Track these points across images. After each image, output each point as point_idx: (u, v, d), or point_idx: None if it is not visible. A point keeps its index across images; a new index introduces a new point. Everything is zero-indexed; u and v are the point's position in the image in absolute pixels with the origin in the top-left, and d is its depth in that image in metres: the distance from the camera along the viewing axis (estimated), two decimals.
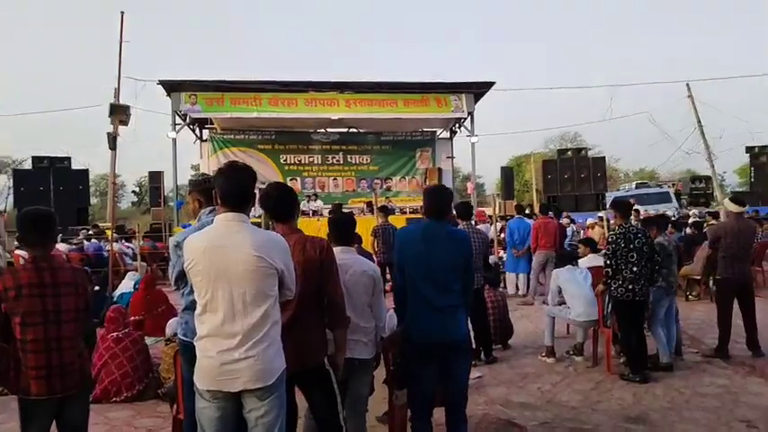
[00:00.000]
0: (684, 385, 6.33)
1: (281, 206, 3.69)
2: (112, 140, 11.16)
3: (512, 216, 17.24)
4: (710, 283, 10.54)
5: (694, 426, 5.19)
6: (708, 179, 29.23)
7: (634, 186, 34.00)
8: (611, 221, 15.16)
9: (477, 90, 21.49)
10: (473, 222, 8.39)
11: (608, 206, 22.17)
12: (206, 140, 23.83)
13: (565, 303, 7.30)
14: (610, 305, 6.76)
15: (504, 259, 12.42)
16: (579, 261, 8.04)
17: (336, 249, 3.98)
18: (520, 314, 10.04)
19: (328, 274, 3.59)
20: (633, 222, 6.60)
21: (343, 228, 4.21)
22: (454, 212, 7.12)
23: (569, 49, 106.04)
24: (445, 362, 3.95)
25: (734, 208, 7.23)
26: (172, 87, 20.42)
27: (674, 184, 31.99)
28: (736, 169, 44.02)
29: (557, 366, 7.19)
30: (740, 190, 28.71)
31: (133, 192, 61.50)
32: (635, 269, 6.33)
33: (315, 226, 20.01)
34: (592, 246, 8.75)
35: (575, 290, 7.07)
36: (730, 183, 45.87)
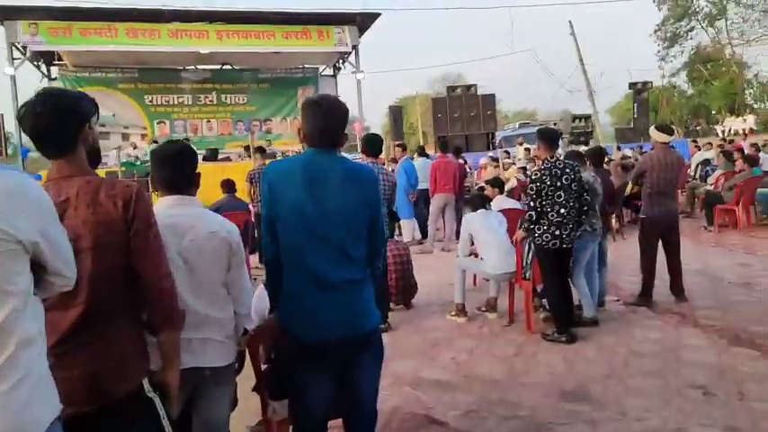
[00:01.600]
0: (616, 342, 5.42)
1: (46, 125, 2.09)
2: None
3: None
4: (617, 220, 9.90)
5: (645, 399, 4.23)
6: (588, 118, 29.51)
7: (517, 126, 33.96)
8: (531, 155, 14.58)
9: (362, 22, 19.87)
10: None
11: (516, 141, 21.63)
12: (55, 79, 20.70)
13: (476, 255, 6.19)
14: (531, 254, 5.71)
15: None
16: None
17: (163, 201, 2.49)
18: (419, 264, 8.91)
19: (142, 241, 2.10)
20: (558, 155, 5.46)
21: (173, 165, 2.64)
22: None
23: None
24: (346, 363, 2.62)
25: (661, 137, 6.30)
26: (6, 14, 17.24)
27: (555, 124, 32.22)
28: (608, 109, 45.52)
29: (469, 327, 6.09)
30: (616, 128, 29.21)
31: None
32: (562, 211, 5.25)
33: None
34: (500, 186, 7.66)
35: (489, 238, 5.95)
36: (603, 122, 47.36)
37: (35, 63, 19.85)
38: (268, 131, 22.27)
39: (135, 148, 19.37)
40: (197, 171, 2.72)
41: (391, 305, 6.38)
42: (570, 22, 28.57)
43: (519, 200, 10.61)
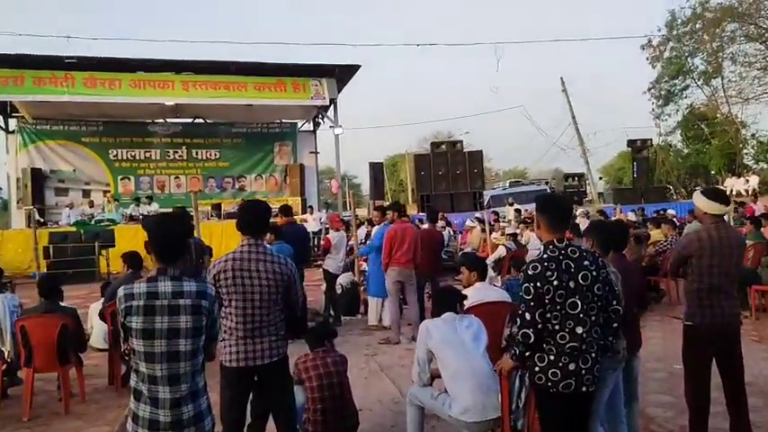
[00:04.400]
0: None
1: None
2: None
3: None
4: None
5: None
6: (581, 176, 27.70)
7: (507, 185, 32.00)
8: (529, 233, 12.28)
9: (341, 74, 18.04)
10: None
11: (509, 203, 19.51)
12: (13, 132, 18.69)
13: (440, 384, 3.90)
14: (524, 393, 3.43)
15: (367, 274, 8.97)
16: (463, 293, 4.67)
17: None
18: (372, 368, 6.57)
19: None
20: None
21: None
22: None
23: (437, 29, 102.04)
24: None
25: (712, 208, 4.07)
26: None
27: (546, 182, 30.31)
28: (599, 168, 43.73)
29: None
30: (615, 188, 27.19)
31: None
32: (579, 330, 2.99)
33: (143, 234, 15.76)
34: (479, 269, 5.26)
35: (458, 362, 3.65)
36: (594, 182, 45.76)
37: None
38: (241, 189, 20.17)
39: (91, 206, 17.21)
40: None
41: None
42: (562, 78, 27.08)
43: (508, 275, 8.40)
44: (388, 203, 11.21)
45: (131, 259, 6.40)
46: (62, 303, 5.85)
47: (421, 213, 14.51)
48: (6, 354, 5.48)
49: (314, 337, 4.25)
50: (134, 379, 2.66)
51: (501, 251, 9.92)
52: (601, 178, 37.38)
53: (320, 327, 4.45)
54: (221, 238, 14.47)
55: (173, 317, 2.60)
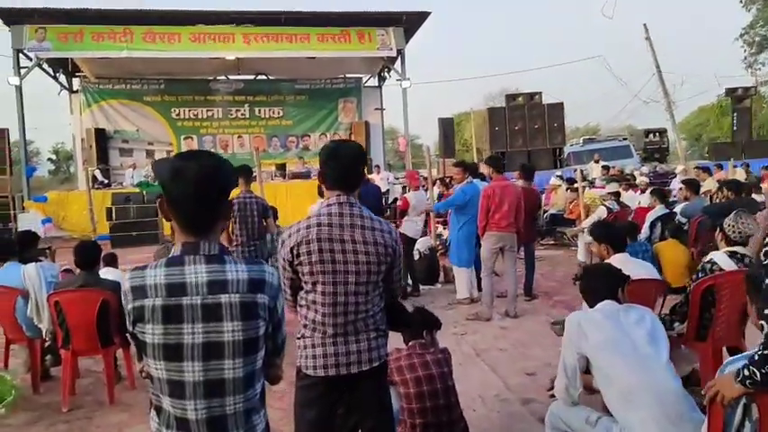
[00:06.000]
0: None
1: None
2: None
3: (450, 179, 12.78)
4: None
5: None
6: (663, 132, 25.41)
7: (581, 142, 29.88)
8: (632, 193, 10.71)
9: (408, 23, 16.63)
10: None
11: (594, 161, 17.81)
12: (77, 91, 18.28)
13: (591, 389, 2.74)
14: None
15: (448, 242, 7.79)
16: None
17: None
18: (464, 353, 5.46)
19: None
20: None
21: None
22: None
23: None
24: None
25: None
26: (11, 17, 14.81)
27: (625, 138, 28.08)
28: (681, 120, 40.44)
29: None
30: (713, 143, 24.62)
31: (49, 159, 54.22)
32: None
33: None
34: (614, 237, 4.05)
35: (630, 375, 2.47)
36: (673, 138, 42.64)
37: (53, 74, 17.46)
38: (305, 148, 19.25)
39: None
40: None
41: None
42: (645, 25, 24.57)
43: None
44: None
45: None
46: (109, 275, 5.00)
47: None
48: (44, 332, 4.66)
49: (411, 328, 3.16)
50: (155, 421, 1.64)
51: (601, 212, 8.54)
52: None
53: (418, 313, 3.34)
54: (286, 199, 13.64)
55: (210, 323, 1.54)
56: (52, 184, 31.60)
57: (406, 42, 16.94)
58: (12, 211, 14.29)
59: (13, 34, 14.85)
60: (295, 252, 2.27)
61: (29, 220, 14.17)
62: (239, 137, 18.96)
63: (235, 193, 6.13)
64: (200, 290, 1.54)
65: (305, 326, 2.32)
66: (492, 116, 16.99)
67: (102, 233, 12.29)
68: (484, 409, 4.15)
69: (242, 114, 19.02)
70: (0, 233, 12.58)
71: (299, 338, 2.33)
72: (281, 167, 16.72)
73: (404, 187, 12.40)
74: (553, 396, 2.84)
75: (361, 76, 20.03)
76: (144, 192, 14.34)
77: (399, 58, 16.90)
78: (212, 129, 18.87)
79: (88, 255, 4.45)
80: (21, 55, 15.17)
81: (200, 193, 1.56)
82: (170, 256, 1.60)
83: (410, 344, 3.22)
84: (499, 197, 6.17)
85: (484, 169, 6.41)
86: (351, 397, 2.34)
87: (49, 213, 14.42)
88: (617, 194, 8.89)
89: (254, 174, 7.36)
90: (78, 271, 4.51)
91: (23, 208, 14.66)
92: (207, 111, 18.79)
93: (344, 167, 2.33)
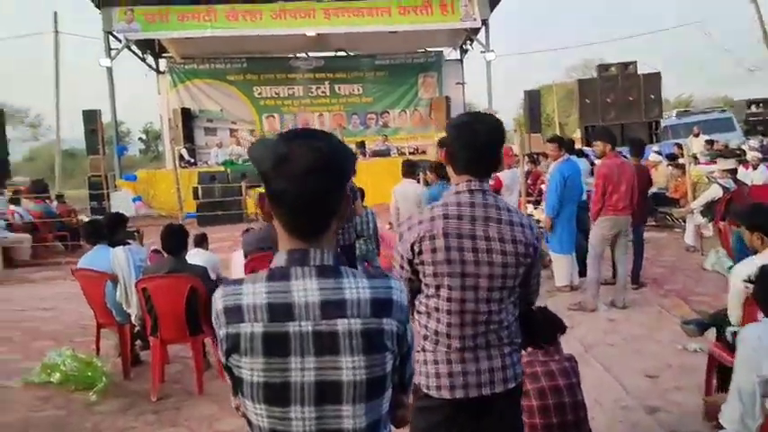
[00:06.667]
0: None
1: None
2: None
3: (536, 155, 12.05)
4: None
5: None
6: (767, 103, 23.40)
7: (674, 115, 28.06)
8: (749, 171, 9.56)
9: None
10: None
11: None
12: (163, 72, 18.63)
13: None
14: None
15: (543, 228, 7.14)
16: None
17: None
18: (575, 341, 4.92)
19: None
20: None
21: None
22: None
23: None
24: None
25: None
26: (102, 0, 15.12)
27: (724, 110, 26.04)
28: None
29: None
30: None
31: (140, 139, 56.55)
32: None
33: None
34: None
35: None
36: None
37: (140, 56, 17.83)
38: (385, 125, 18.85)
39: (238, 144, 16.79)
40: None
41: None
42: None
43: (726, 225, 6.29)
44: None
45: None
46: (198, 257, 4.82)
47: (587, 148, 12.26)
48: (133, 317, 4.53)
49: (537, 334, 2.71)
50: None
51: (715, 191, 7.70)
52: None
53: (540, 314, 2.89)
54: (366, 178, 13.31)
55: (324, 357, 1.16)
56: (143, 163, 32.89)
57: (491, 11, 16.12)
58: (105, 190, 14.76)
59: (104, 16, 15.16)
60: (416, 249, 1.87)
61: (120, 198, 14.60)
62: (320, 115, 18.78)
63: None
64: (312, 313, 1.17)
65: (425, 337, 1.93)
66: (582, 88, 15.91)
67: (188, 211, 12.46)
68: (604, 417, 3.67)
69: (322, 92, 18.81)
70: (93, 214, 12.93)
71: (417, 352, 1.94)
72: (361, 145, 16.37)
73: None
74: (719, 426, 2.32)
75: (441, 49, 19.35)
76: (228, 170, 14.42)
77: (484, 27, 16.12)
78: (293, 107, 18.79)
79: (176, 239, 4.25)
80: (110, 37, 15.49)
81: (313, 187, 1.17)
82: (272, 266, 1.23)
83: (529, 350, 2.78)
84: (617, 176, 5.53)
85: (598, 146, 5.76)
86: (480, 423, 1.93)
87: (140, 192, 14.79)
88: (733, 171, 7.98)
89: None
90: (166, 255, 4.33)
91: (116, 186, 15.10)
92: (288, 89, 18.70)
93: (481, 147, 1.90)
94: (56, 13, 20.63)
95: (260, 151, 1.23)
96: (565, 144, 6.72)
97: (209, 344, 4.58)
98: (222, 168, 14.93)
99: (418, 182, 6.74)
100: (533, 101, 16.36)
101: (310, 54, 18.87)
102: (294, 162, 1.16)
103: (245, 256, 4.86)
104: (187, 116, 17.76)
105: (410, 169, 6.57)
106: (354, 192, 5.79)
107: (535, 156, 12.02)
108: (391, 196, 6.50)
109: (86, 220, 7.91)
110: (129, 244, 4.79)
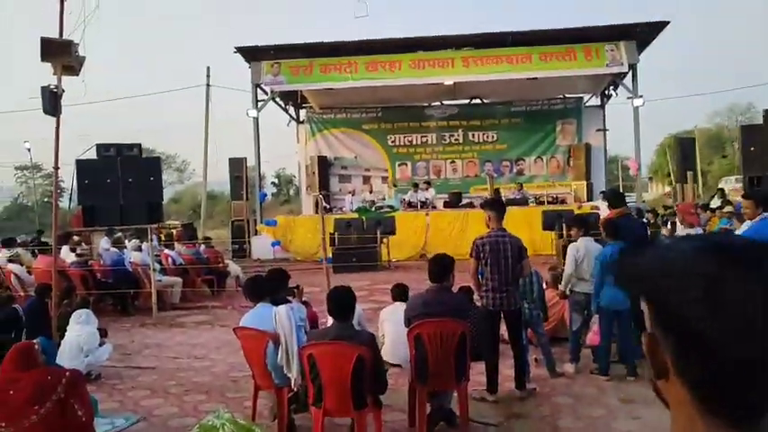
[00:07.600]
0: None
1: None
2: (50, 98, 6.50)
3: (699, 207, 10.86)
4: None
5: None
6: None
7: None
8: None
9: (642, 34, 14.89)
10: None
11: None
12: (303, 122, 19.28)
13: None
14: None
15: None
16: None
17: None
18: None
19: None
20: None
21: None
22: None
23: None
24: None
25: None
26: (251, 55, 15.94)
27: None
28: None
29: None
30: None
31: (272, 183, 59.36)
32: None
33: (422, 221, 14.85)
34: None
35: None
36: None
37: (284, 106, 18.57)
38: (519, 173, 18.19)
39: (371, 192, 16.84)
40: None
41: None
42: None
43: None
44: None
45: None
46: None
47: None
48: (293, 381, 4.24)
49: None
50: None
51: None
52: None
53: None
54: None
55: None
56: (274, 206, 34.28)
57: (638, 55, 15.17)
58: (247, 237, 15.26)
59: (253, 70, 15.95)
60: None
61: (261, 242, 15.00)
62: (452, 162, 18.50)
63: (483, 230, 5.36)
64: None
65: None
66: (746, 134, 14.41)
67: (324, 256, 12.44)
68: None
69: (455, 139, 18.56)
70: (234, 257, 13.25)
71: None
72: (496, 192, 15.81)
73: (672, 223, 10.53)
74: None
75: (581, 95, 18.53)
76: (363, 218, 14.38)
77: (631, 72, 15.17)
78: (426, 154, 18.67)
79: (343, 303, 3.92)
80: (258, 89, 16.24)
81: None
82: None
83: None
84: None
85: (748, 208, 4.84)
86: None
87: (278, 236, 15.11)
88: None
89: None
90: (331, 320, 4.01)
91: (257, 231, 15.56)
92: (421, 137, 18.65)
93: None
94: (208, 68, 22.09)
95: (675, 274, 0.73)
96: (763, 201, 5.78)
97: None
98: (356, 215, 14.93)
99: None
100: (687, 148, 15.04)
101: (444, 102, 18.76)
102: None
103: (408, 322, 4.43)
104: (323, 164, 18.16)
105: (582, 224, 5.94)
106: (524, 251, 5.27)
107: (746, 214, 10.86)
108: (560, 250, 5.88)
109: (246, 277, 7.68)
110: (290, 302, 4.55)
